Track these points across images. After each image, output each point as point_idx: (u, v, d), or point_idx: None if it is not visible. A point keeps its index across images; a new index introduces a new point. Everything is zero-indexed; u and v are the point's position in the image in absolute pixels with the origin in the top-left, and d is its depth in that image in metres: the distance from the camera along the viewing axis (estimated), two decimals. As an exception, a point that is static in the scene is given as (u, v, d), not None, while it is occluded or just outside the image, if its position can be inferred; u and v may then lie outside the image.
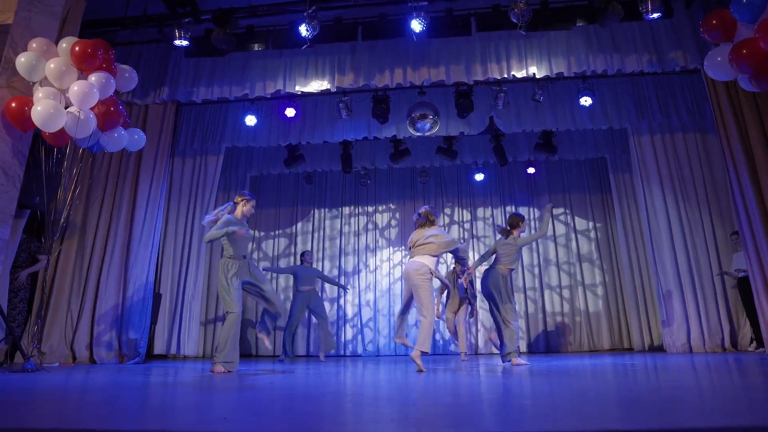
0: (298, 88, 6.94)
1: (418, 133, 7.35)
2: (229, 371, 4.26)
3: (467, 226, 9.77)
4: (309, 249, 9.73)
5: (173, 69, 7.15)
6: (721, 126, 6.04)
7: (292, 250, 9.85)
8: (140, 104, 7.16)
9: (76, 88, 4.25)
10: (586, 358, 6.07)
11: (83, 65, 4.37)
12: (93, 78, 4.39)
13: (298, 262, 9.75)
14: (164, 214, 7.77)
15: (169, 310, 7.66)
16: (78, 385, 3.28)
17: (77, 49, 4.32)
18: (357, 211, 10.04)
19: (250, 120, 7.64)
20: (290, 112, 7.55)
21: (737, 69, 3.91)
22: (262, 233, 9.98)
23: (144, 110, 7.22)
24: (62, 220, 4.46)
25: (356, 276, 9.66)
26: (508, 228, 5.13)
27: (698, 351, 6.76)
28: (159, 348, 7.60)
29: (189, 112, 8.19)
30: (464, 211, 9.85)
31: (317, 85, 6.89)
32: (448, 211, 9.90)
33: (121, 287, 6.54)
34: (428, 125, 7.22)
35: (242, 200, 4.43)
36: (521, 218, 5.10)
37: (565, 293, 9.21)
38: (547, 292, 9.24)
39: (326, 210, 10.09)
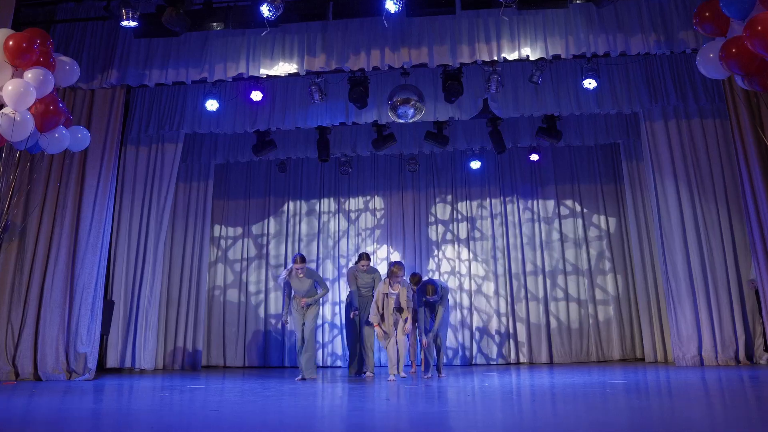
0: (263, 71, 7.23)
1: (401, 120, 7.66)
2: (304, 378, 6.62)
3: (462, 219, 10.12)
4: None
5: (122, 49, 7.44)
6: (734, 114, 6.39)
7: (263, 252, 10.19)
8: (85, 89, 7.46)
9: (10, 87, 4.59)
10: (575, 374, 6.49)
11: (17, 61, 4.70)
12: (29, 75, 4.73)
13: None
14: (116, 211, 8.11)
15: (123, 319, 8.05)
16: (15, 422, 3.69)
17: (11, 43, 4.65)
18: (337, 203, 10.38)
19: (212, 105, 7.95)
20: (256, 95, 7.85)
21: (727, 69, 4.24)
22: (230, 228, 10.33)
23: (90, 96, 7.53)
24: (-1, 231, 4.83)
25: (336, 273, 10.06)
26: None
27: (710, 364, 7.18)
28: (112, 361, 8.02)
29: (143, 95, 8.48)
30: (459, 203, 10.18)
31: (284, 67, 7.19)
32: (441, 202, 10.24)
33: (68, 296, 6.94)
34: (412, 111, 7.52)
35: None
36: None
37: (572, 297, 9.60)
38: (551, 296, 9.62)
39: (302, 201, 10.42)
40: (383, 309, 6.66)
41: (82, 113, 7.43)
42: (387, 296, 6.64)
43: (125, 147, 8.39)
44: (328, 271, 10.11)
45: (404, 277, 6.82)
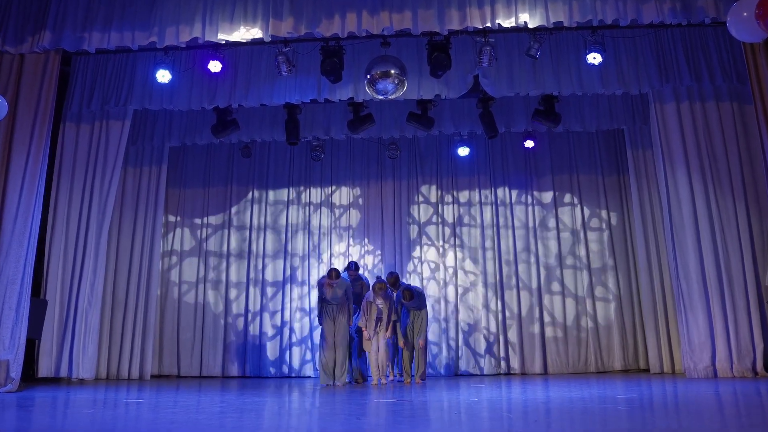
0: (222, 36, 6.85)
1: (380, 96, 7.29)
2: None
3: (448, 212, 9.80)
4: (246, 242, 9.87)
5: (57, 7, 7.01)
6: (757, 92, 6.17)
7: (223, 247, 9.74)
8: (13, 53, 7.01)
9: None
10: (557, 389, 6.14)
11: None
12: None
13: (239, 260, 9.74)
14: (52, 197, 7.75)
15: (59, 321, 7.63)
16: None
17: None
18: (308, 192, 10.04)
19: (163, 76, 7.50)
20: (215, 66, 7.45)
21: (764, 28, 3.87)
22: (186, 220, 9.86)
23: (18, 61, 7.07)
24: None
25: (306, 272, 9.70)
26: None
27: (724, 376, 6.92)
28: (45, 369, 7.56)
29: (85, 65, 8.06)
30: (445, 195, 9.89)
31: (246, 32, 6.82)
32: (424, 192, 9.92)
33: (-12, 293, 6.43)
34: (392, 86, 7.13)
35: None
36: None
37: (569, 300, 9.32)
38: (547, 299, 9.34)
39: (268, 190, 10.07)
40: (368, 315, 7.29)
41: (9, 81, 6.96)
42: (371, 305, 7.28)
43: (64, 124, 8.02)
44: (297, 270, 9.73)
45: (389, 291, 7.47)
